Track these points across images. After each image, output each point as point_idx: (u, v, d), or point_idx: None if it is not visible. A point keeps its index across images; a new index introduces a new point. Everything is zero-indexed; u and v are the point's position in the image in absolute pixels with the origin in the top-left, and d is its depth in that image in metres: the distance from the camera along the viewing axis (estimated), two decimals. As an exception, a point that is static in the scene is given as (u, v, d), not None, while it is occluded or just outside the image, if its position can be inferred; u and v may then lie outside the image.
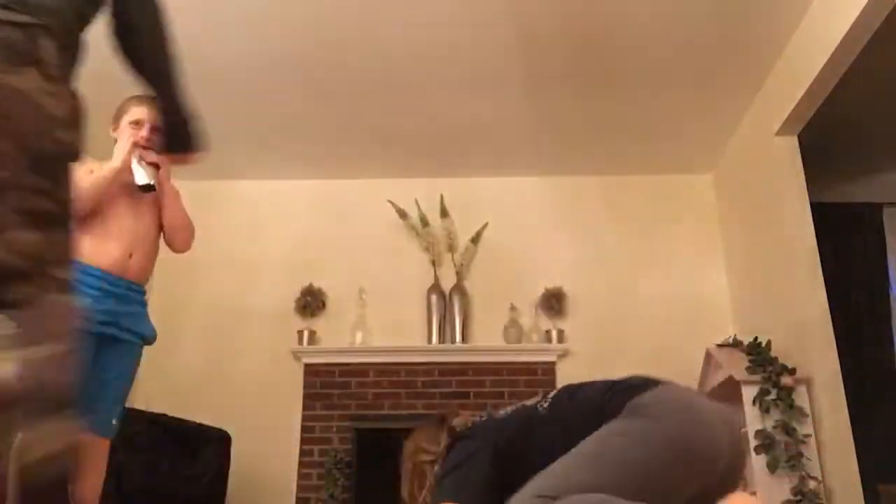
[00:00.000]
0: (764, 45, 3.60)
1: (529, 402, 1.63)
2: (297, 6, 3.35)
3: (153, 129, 2.26)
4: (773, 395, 3.38)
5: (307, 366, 4.49)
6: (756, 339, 3.71)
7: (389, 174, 4.88)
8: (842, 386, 3.38)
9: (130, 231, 2.24)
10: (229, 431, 3.77)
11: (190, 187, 4.95)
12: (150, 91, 1.65)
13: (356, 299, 4.60)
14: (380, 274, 4.71)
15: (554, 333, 4.47)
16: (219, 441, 3.67)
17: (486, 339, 4.55)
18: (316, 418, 4.37)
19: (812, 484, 3.22)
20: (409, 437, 1.77)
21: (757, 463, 3.29)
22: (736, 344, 3.84)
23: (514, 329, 4.51)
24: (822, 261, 3.58)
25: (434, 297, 4.58)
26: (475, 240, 4.75)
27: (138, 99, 2.33)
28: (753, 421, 3.38)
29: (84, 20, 1.28)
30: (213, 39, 3.55)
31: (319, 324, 4.61)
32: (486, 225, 4.79)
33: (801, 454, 3.27)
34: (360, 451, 4.32)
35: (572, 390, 1.57)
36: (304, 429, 4.35)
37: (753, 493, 3.04)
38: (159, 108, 1.81)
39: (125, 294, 2.20)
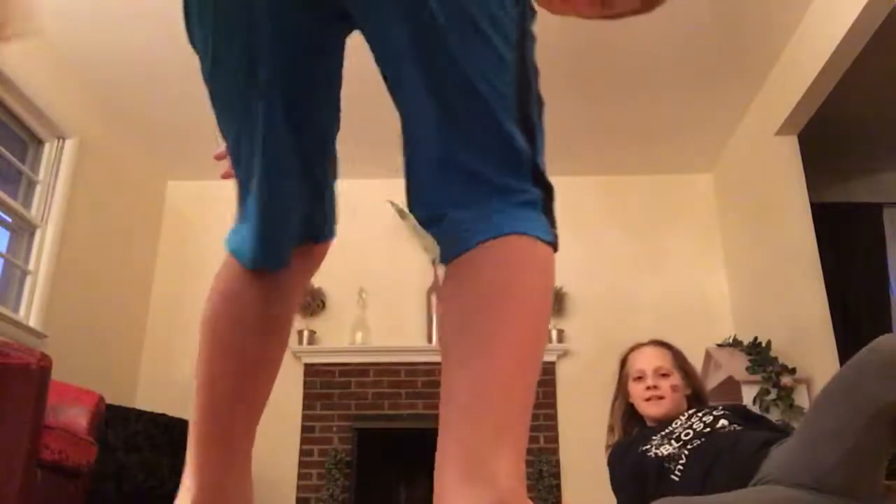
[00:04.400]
0: (764, 46, 3.60)
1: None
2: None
3: None
4: (773, 395, 3.38)
5: (307, 366, 4.49)
6: (756, 339, 3.71)
7: (389, 174, 4.86)
8: (842, 386, 3.38)
9: None
10: (229, 431, 3.77)
11: (189, 187, 4.99)
12: None
13: (356, 299, 4.60)
14: (380, 274, 4.70)
15: (554, 333, 4.46)
16: (219, 441, 3.66)
17: (486, 339, 4.54)
18: (316, 418, 4.37)
19: (812, 484, 3.21)
20: None
21: (757, 463, 3.29)
22: (736, 344, 3.84)
23: (514, 329, 4.50)
24: (822, 261, 3.58)
25: (434, 297, 4.57)
26: (475, 240, 4.74)
27: None
28: (753, 421, 3.38)
29: None
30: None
31: (319, 324, 4.60)
32: (486, 225, 4.78)
33: (801, 454, 3.27)
34: (360, 451, 4.32)
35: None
36: (304, 429, 4.35)
37: None
38: None
39: None
